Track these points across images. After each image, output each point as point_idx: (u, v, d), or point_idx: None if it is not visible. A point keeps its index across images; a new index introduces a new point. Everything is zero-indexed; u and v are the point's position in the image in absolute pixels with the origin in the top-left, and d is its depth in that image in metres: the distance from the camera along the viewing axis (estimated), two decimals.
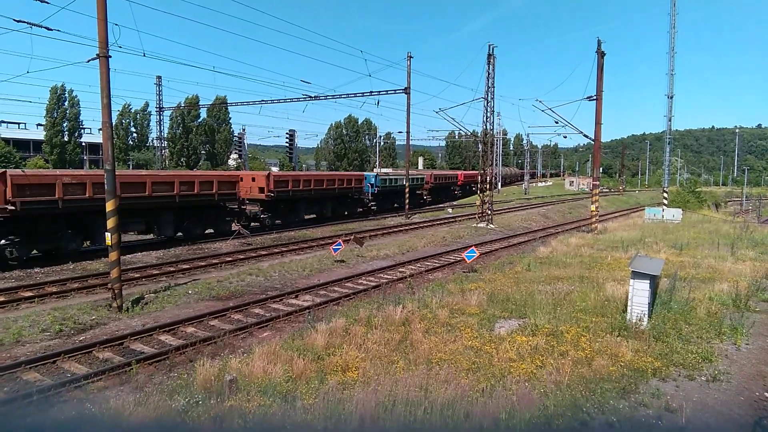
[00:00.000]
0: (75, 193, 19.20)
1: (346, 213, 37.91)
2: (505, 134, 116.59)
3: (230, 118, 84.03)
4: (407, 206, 38.15)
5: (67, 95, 69.88)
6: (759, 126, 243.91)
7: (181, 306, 14.10)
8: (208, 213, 25.96)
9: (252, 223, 29.34)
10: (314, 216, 35.41)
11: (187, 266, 18.86)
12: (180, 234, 24.75)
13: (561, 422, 6.35)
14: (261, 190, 29.31)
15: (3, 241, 18.13)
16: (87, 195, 19.39)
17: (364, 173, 42.10)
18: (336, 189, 35.75)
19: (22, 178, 18.05)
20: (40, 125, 72.76)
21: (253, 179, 29.71)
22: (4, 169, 18.39)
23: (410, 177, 42.49)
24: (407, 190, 38.31)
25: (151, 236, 24.31)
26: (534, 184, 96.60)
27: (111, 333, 11.75)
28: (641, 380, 7.87)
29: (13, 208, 17.48)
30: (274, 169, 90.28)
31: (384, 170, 63.57)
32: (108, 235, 13.30)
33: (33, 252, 19.55)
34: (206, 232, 26.35)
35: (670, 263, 16.62)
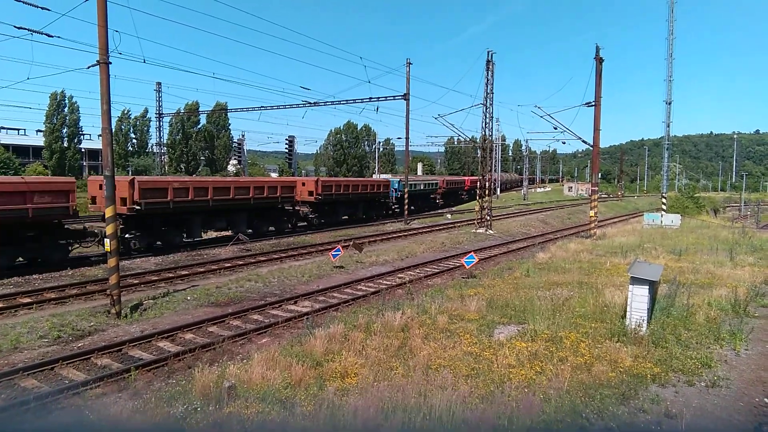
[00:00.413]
0: (180, 196, 23.27)
1: (374, 215, 41.26)
2: (504, 140, 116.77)
3: (230, 124, 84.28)
4: (406, 212, 38.20)
5: (66, 101, 69.92)
6: (757, 132, 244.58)
7: (180, 312, 14.06)
8: (271, 213, 29.83)
9: (299, 222, 33.13)
10: (346, 217, 38.49)
11: (186, 272, 18.84)
12: (250, 230, 28.25)
13: (560, 428, 6.34)
14: (310, 193, 32.99)
15: (128, 235, 22.00)
16: (189, 197, 23.61)
17: (390, 179, 46.14)
18: (368, 193, 39.67)
19: (145, 184, 21.92)
20: (40, 131, 72.82)
21: (303, 184, 33.39)
22: (133, 176, 21.68)
23: (426, 182, 51.90)
24: (406, 195, 38.39)
25: (229, 232, 27.64)
26: (533, 190, 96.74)
27: (109, 339, 11.71)
28: (641, 386, 7.86)
29: (139, 207, 21.42)
30: (273, 175, 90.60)
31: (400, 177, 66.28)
32: (107, 240, 13.28)
33: (153, 243, 23.36)
34: (269, 229, 30.19)
35: (669, 269, 16.63)
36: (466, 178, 70.60)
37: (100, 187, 21.20)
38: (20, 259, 18.78)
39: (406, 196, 38.17)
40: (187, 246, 24.52)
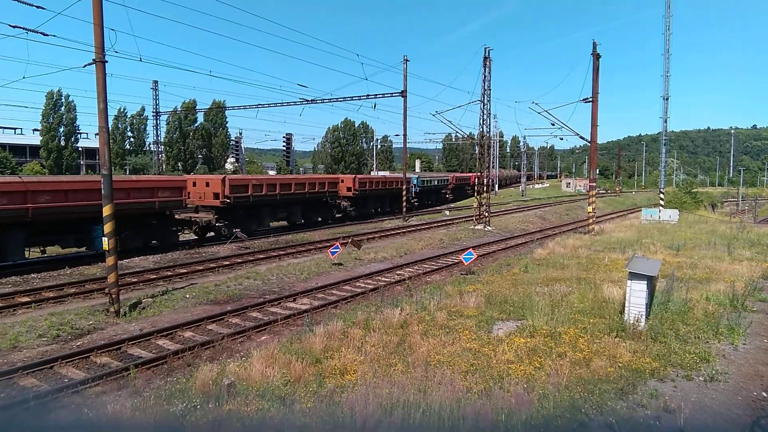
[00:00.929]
0: (257, 191, 27.86)
1: (396, 209, 43.06)
2: (502, 136, 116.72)
3: (227, 122, 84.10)
4: (404, 208, 38.17)
5: (63, 100, 69.77)
6: (754, 127, 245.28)
7: (179, 310, 14.06)
8: (319, 205, 34.40)
9: (337, 214, 36.97)
10: (373, 211, 42.52)
11: (185, 270, 18.82)
12: (302, 221, 33.21)
13: (559, 423, 6.35)
14: (348, 189, 37.55)
15: (218, 224, 25.84)
16: (263, 192, 28.26)
17: (410, 176, 49.36)
18: (393, 189, 43.05)
19: (233, 181, 26.68)
20: (37, 130, 72.61)
21: (342, 181, 37.79)
22: (224, 175, 26.10)
23: (439, 178, 58.75)
24: (405, 192, 38.33)
25: (285, 222, 33.01)
26: (531, 186, 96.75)
27: (108, 338, 11.71)
28: (639, 381, 7.89)
29: (229, 201, 26.14)
30: (272, 173, 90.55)
31: (459, 174, 70.96)
32: (105, 239, 13.25)
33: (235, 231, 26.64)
34: (318, 219, 34.96)
35: (667, 264, 16.67)
36: (471, 174, 72.42)
37: (194, 184, 26.90)
38: (154, 241, 23.47)
39: (404, 193, 38.14)
40: (187, 244, 24.54)
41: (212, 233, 26.64)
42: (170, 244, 23.74)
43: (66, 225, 19.38)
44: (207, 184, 26.76)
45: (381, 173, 66.47)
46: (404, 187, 38.40)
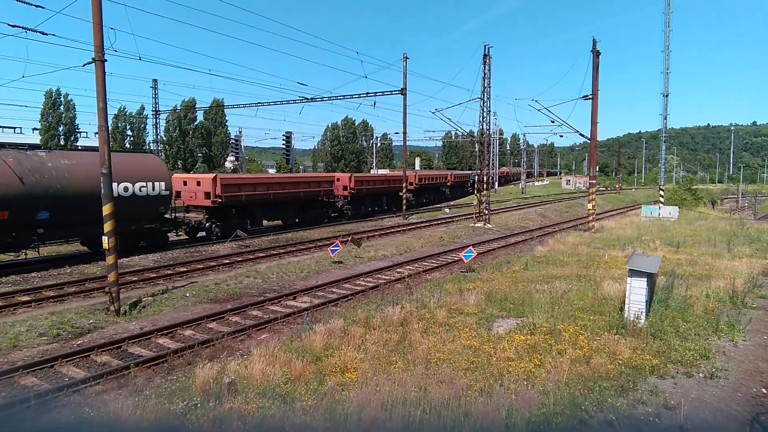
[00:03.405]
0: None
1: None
2: (502, 134, 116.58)
3: (227, 121, 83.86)
4: (405, 206, 38.17)
5: (62, 99, 69.57)
6: (754, 123, 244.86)
7: (179, 309, 14.07)
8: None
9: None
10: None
11: (185, 269, 18.83)
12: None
13: (560, 420, 6.36)
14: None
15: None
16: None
17: (469, 173, 58.16)
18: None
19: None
20: (36, 129, 72.48)
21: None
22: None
23: (463, 174, 66.26)
24: (405, 189, 38.34)
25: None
26: (531, 184, 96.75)
27: (109, 336, 11.72)
28: (639, 378, 7.90)
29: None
30: (271, 171, 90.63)
31: (425, 172, 70.69)
32: (105, 238, 13.26)
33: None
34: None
35: (667, 261, 16.69)
36: (472, 172, 73.70)
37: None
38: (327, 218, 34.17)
39: (404, 190, 38.12)
40: (184, 243, 24.53)
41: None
42: (322, 221, 34.34)
43: (279, 206, 30.70)
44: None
45: (381, 171, 66.39)
46: (404, 185, 38.43)
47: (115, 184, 18.39)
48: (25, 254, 18.77)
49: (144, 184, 21.40)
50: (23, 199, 17.45)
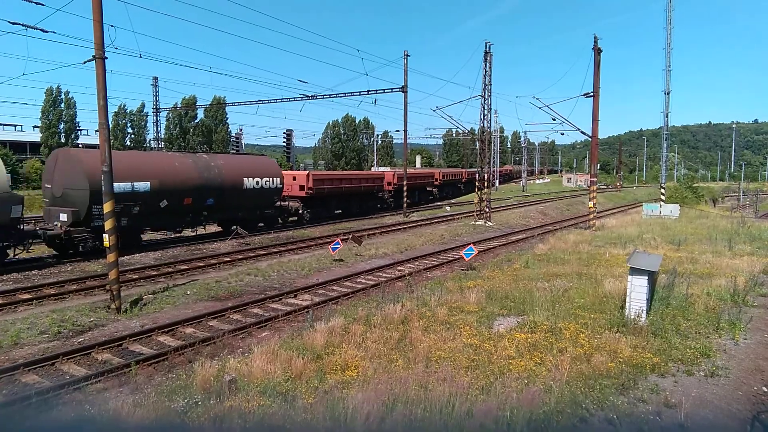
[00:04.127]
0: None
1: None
2: (503, 132, 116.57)
3: (227, 118, 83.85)
4: (405, 204, 38.16)
5: (62, 97, 69.54)
6: (755, 121, 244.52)
7: (180, 307, 14.07)
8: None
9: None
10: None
11: (186, 267, 18.83)
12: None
13: (561, 419, 6.36)
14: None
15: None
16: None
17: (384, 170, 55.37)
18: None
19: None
20: (37, 127, 72.44)
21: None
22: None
23: (452, 173, 64.97)
24: (405, 187, 38.30)
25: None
26: (532, 182, 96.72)
27: (110, 334, 11.73)
28: (640, 376, 7.89)
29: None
30: None
31: (446, 170, 72.23)
32: (105, 236, 13.26)
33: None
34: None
35: (668, 259, 16.67)
36: (464, 170, 73.13)
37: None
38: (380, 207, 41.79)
39: (405, 188, 38.09)
40: (185, 241, 24.59)
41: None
42: (374, 212, 40.41)
43: (346, 198, 37.12)
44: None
45: (381, 169, 66.24)
46: (404, 184, 38.44)
47: (251, 179, 26.48)
48: (195, 231, 25.48)
49: (268, 179, 27.76)
50: (200, 190, 23.75)
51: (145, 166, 21.97)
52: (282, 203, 30.48)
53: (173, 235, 24.94)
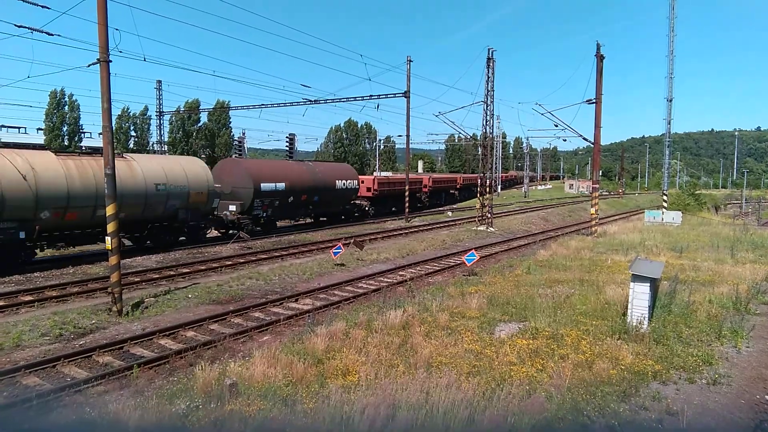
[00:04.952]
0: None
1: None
2: (505, 137, 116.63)
3: (230, 122, 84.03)
4: (407, 209, 38.20)
5: (66, 100, 69.78)
6: (758, 129, 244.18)
7: (181, 310, 14.08)
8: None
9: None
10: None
11: (187, 270, 18.85)
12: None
13: (562, 426, 6.34)
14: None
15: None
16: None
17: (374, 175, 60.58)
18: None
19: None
20: (41, 130, 72.70)
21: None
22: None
23: (454, 179, 67.46)
24: (407, 193, 38.36)
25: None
26: (534, 187, 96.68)
27: (111, 337, 11.73)
28: (642, 383, 7.87)
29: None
30: None
31: (465, 175, 73.54)
32: (108, 239, 13.28)
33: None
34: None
35: (670, 266, 16.62)
36: (457, 176, 74.12)
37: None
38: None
39: (407, 195, 38.13)
40: (187, 244, 24.63)
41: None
42: (417, 210, 46.18)
43: (398, 198, 42.04)
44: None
45: (383, 174, 66.35)
46: (406, 188, 38.53)
47: (341, 181, 34.36)
48: (298, 221, 35.54)
49: (348, 181, 35.39)
50: (311, 190, 31.71)
51: (281, 172, 29.98)
52: (354, 201, 37.84)
53: (293, 223, 35.12)
